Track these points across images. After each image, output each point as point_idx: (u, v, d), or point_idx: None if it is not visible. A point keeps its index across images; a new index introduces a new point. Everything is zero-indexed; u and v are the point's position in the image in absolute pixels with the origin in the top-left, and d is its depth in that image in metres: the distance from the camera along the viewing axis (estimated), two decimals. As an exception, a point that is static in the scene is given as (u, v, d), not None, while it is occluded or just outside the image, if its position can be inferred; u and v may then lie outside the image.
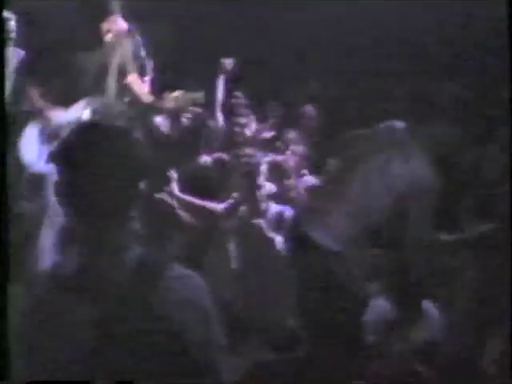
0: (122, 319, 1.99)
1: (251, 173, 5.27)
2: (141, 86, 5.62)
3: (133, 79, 5.64)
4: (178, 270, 2.12)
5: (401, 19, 5.71)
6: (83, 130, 2.16)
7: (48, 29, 5.92)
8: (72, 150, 2.05)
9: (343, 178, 2.32)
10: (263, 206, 5.18)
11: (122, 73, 5.64)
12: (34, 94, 5.68)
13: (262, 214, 5.18)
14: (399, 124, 2.18)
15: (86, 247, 2.03)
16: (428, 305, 3.97)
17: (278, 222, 5.10)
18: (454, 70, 5.59)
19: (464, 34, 5.56)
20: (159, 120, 5.93)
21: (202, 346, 2.07)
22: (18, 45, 5.65)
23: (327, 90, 6.42)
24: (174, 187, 5.41)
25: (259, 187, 5.20)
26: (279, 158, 5.77)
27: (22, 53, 5.73)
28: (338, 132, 5.47)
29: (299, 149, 6.03)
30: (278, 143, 6.14)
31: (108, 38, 5.64)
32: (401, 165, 2.21)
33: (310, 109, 6.47)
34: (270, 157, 5.77)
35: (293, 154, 5.95)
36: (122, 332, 1.99)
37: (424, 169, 2.32)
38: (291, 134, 6.16)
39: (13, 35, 5.53)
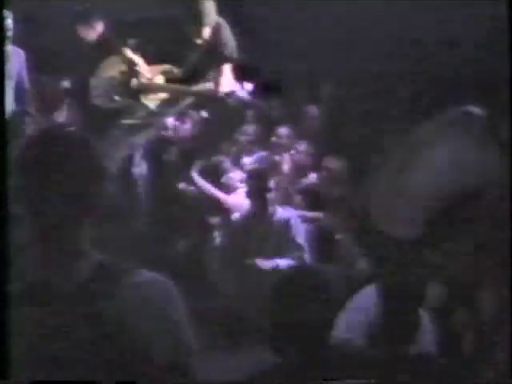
0: (76, 326, 1.96)
1: (262, 174, 5.18)
2: (228, 77, 5.62)
3: (226, 68, 5.65)
4: (146, 275, 2.06)
5: (401, 19, 5.70)
6: (40, 137, 2.16)
7: (47, 28, 5.90)
8: (30, 156, 2.04)
9: (407, 166, 2.26)
10: (271, 209, 5.07)
11: (220, 59, 5.65)
12: (127, 50, 5.70)
13: (268, 217, 5.08)
14: (477, 110, 2.08)
15: (41, 254, 2.02)
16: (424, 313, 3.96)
17: (285, 228, 4.97)
18: (453, 70, 5.57)
19: (464, 34, 5.55)
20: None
21: (168, 351, 2.03)
22: (15, 43, 5.63)
23: (336, 90, 6.39)
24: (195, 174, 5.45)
25: (270, 190, 5.10)
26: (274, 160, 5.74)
27: (21, 52, 5.72)
28: (340, 132, 5.47)
29: (299, 148, 6.00)
30: (274, 139, 6.10)
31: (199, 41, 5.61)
32: (476, 157, 2.14)
33: (313, 109, 6.44)
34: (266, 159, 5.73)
35: (291, 155, 5.93)
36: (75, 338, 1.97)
37: (498, 162, 2.25)
38: (285, 131, 6.11)
39: (9, 34, 5.52)
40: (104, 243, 2.16)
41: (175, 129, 5.78)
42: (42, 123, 5.51)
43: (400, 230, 2.10)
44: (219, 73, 5.66)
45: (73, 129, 2.10)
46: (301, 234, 5.02)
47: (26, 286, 2.01)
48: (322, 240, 5.07)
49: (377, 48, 5.87)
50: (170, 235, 5.39)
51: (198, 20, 5.51)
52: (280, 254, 4.93)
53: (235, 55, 5.68)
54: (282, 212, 5.13)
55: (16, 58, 5.69)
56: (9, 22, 5.46)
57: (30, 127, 5.36)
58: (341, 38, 5.95)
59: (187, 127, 5.82)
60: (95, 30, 5.85)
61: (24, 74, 5.80)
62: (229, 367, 2.81)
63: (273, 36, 6.08)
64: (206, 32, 5.58)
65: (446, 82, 5.61)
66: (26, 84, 5.82)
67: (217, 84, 5.64)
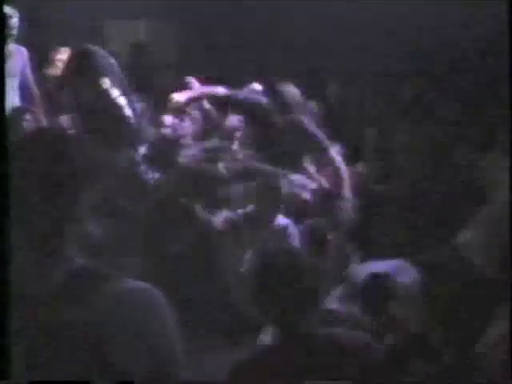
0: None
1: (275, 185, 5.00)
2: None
3: (336, 154, 5.37)
4: (132, 283, 1.90)
5: (401, 19, 5.67)
6: (29, 136, 2.09)
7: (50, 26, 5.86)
8: (17, 155, 1.98)
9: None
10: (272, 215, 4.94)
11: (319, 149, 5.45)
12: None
13: (268, 222, 4.95)
14: None
15: (25, 255, 1.95)
16: None
17: (282, 235, 4.83)
18: (454, 70, 5.55)
19: (464, 34, 5.52)
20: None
21: (151, 362, 1.90)
22: (19, 42, 5.58)
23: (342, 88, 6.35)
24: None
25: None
26: None
27: (23, 50, 5.66)
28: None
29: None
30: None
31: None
32: None
33: (310, 106, 6.36)
34: None
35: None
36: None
37: None
38: None
39: (14, 32, 5.47)
40: (92, 247, 2.08)
41: None
42: (42, 123, 5.42)
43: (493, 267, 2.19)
44: (332, 161, 5.45)
45: (69, 131, 2.01)
46: (296, 242, 4.86)
47: (19, 286, 1.95)
48: (315, 240, 4.96)
49: (376, 48, 5.85)
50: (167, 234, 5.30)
51: (283, 108, 5.35)
52: None
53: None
54: (280, 219, 4.99)
55: (19, 56, 5.63)
56: (14, 20, 5.43)
57: (31, 126, 5.27)
58: (341, 38, 5.93)
59: None
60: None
61: (27, 71, 5.75)
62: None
63: (274, 35, 6.07)
64: (291, 119, 5.42)
65: (446, 82, 5.59)
66: (30, 82, 5.76)
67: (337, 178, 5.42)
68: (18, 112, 5.18)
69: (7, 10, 5.38)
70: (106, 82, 5.11)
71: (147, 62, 6.89)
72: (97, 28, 6.60)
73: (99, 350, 1.82)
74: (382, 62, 5.85)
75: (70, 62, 5.18)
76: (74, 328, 1.82)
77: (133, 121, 5.10)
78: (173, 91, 5.47)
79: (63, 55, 5.55)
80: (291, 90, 5.30)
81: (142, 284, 1.91)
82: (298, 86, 5.58)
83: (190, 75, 5.71)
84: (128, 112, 5.07)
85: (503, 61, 4.16)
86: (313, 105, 6.37)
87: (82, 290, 1.85)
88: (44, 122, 5.41)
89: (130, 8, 6.68)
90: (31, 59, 5.71)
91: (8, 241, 2.09)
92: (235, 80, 5.62)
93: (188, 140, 5.96)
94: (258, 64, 6.05)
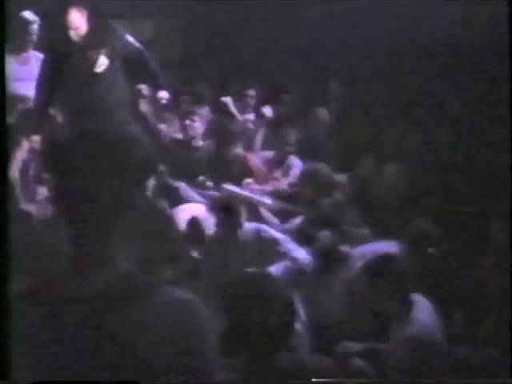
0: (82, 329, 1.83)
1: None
2: None
3: None
4: (172, 293, 1.84)
5: (401, 19, 5.59)
6: (79, 136, 2.02)
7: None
8: (67, 156, 1.90)
9: None
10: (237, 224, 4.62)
11: None
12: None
13: (239, 226, 4.68)
14: None
15: (70, 255, 1.88)
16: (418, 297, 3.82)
17: (256, 240, 4.62)
18: (454, 70, 5.47)
19: (464, 34, 5.43)
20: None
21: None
22: (39, 48, 5.55)
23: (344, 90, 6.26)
24: None
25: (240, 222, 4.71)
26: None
27: (40, 56, 5.62)
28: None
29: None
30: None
31: None
32: None
33: (322, 111, 6.25)
34: None
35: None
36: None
37: None
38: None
39: (34, 38, 5.44)
40: (137, 253, 2.00)
41: None
42: (56, 127, 5.39)
43: None
44: None
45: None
46: (280, 241, 4.67)
47: (35, 285, 1.89)
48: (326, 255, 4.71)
49: (376, 48, 5.78)
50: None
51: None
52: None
53: None
54: (248, 225, 4.66)
55: (36, 62, 5.60)
56: (34, 26, 5.40)
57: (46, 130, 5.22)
58: (342, 38, 5.86)
59: None
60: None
61: (44, 77, 5.71)
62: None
63: (276, 35, 5.99)
64: None
65: (446, 82, 5.51)
66: (47, 86, 5.72)
67: None
68: (31, 116, 5.16)
69: (28, 15, 5.37)
70: (128, 37, 5.40)
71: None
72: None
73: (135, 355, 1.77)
74: (382, 62, 5.79)
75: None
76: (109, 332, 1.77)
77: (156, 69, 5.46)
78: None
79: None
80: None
81: (184, 294, 1.85)
82: (299, 87, 5.55)
83: (192, 75, 5.69)
84: (153, 65, 5.44)
85: (503, 61, 4.10)
86: (321, 111, 6.26)
87: (123, 295, 1.79)
88: (58, 127, 5.38)
89: (132, 8, 6.62)
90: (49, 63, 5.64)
91: (7, 237, 2.04)
92: (238, 81, 5.60)
93: (198, 141, 5.94)
94: (260, 64, 5.99)
